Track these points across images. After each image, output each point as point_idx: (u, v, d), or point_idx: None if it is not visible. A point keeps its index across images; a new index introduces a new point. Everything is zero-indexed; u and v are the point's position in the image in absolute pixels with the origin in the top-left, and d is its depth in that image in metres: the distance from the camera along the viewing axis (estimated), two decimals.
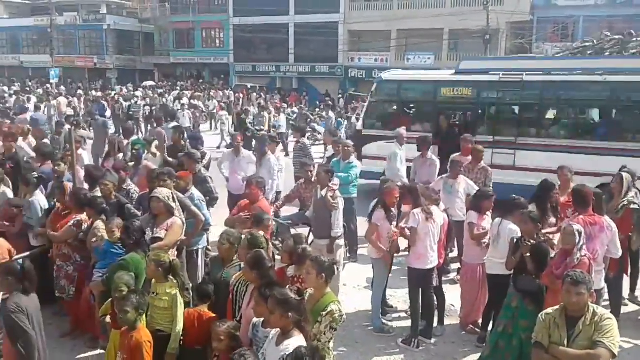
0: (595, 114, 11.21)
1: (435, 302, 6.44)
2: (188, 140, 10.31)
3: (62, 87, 33.45)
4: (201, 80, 44.00)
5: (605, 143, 10.17)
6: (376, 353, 6.11)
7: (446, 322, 6.66)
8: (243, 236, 5.16)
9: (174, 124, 13.46)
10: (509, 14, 31.58)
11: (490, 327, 6.12)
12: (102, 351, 5.51)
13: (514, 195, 6.17)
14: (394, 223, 6.41)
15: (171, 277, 4.78)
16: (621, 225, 6.23)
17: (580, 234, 4.97)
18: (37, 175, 7.07)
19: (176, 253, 5.97)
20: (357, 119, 16.22)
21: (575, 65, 11.16)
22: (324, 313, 4.01)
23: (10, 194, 6.98)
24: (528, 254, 5.30)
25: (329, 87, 38.40)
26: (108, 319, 4.82)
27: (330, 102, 31.99)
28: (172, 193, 6.06)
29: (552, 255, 5.30)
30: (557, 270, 4.89)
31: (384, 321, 6.65)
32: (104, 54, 47.68)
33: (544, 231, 6.06)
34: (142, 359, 4.18)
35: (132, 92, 31.19)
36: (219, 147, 18.86)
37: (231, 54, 43.74)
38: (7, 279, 4.31)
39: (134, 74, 48.54)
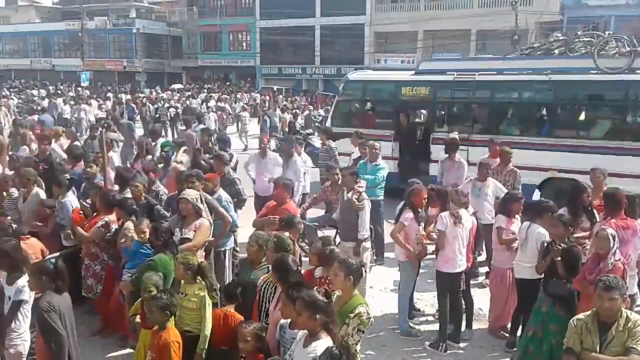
0: (542, 111, 11.59)
1: (463, 306, 6.38)
2: (216, 143, 10.41)
3: (86, 92, 33.92)
4: (228, 83, 44.40)
5: (551, 139, 10.54)
6: (403, 356, 6.07)
7: (474, 326, 6.58)
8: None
9: (201, 126, 13.60)
10: (538, 13, 31.13)
11: (519, 332, 6.04)
12: (131, 350, 5.59)
13: (542, 198, 6.07)
14: (422, 224, 6.37)
15: (199, 279, 4.83)
16: None
17: (614, 238, 4.88)
18: (69, 177, 7.21)
19: (204, 254, 6.04)
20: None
21: (525, 66, 11.54)
22: (352, 315, 4.00)
23: (43, 195, 7.12)
24: (559, 258, 5.21)
25: None
26: (138, 318, 4.89)
27: None
28: (200, 194, 6.12)
29: (584, 260, 5.20)
30: (590, 276, 4.80)
31: (411, 324, 6.60)
32: (133, 58, 48.47)
33: (575, 235, 5.95)
34: (170, 359, 4.23)
35: (161, 95, 31.68)
36: (245, 149, 18.99)
37: (257, 57, 44.07)
38: (40, 278, 4.39)
39: (162, 77, 49.21)
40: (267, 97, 32.08)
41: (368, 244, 7.12)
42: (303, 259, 6.52)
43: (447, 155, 9.25)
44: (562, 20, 33.26)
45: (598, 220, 6.29)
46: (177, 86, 39.81)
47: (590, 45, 11.20)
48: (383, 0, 39.38)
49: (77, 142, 10.75)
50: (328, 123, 13.96)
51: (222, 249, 6.81)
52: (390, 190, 9.12)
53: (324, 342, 3.57)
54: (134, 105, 24.99)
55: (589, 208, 6.57)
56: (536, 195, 9.99)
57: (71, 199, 6.89)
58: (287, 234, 5.37)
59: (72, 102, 25.73)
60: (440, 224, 6.05)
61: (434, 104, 12.34)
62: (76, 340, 4.66)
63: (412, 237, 6.26)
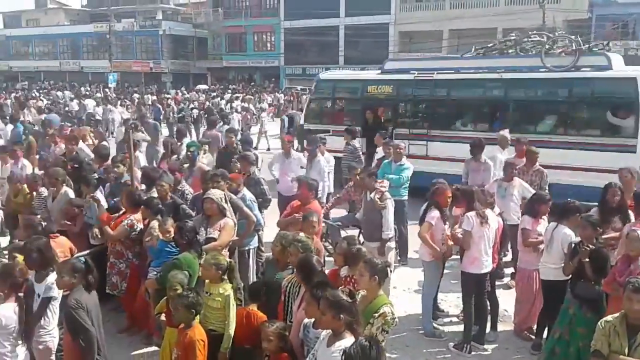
0: (495, 108, 12.14)
1: (488, 307, 6.31)
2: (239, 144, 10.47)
3: (112, 94, 34.31)
4: (252, 83, 44.66)
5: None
6: (427, 357, 6.03)
7: (499, 327, 6.50)
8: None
9: (226, 126, 13.72)
10: (565, 11, 30.64)
11: (545, 334, 5.95)
12: (156, 348, 5.65)
13: (569, 199, 5.98)
14: (448, 224, 6.32)
15: (225, 278, 4.86)
16: None
17: None
18: (97, 177, 7.33)
19: (228, 253, 6.08)
20: None
21: (480, 65, 12.24)
22: (376, 315, 3.99)
23: (71, 194, 7.24)
24: (587, 260, 5.12)
25: None
26: (163, 316, 4.94)
27: None
28: (224, 194, 6.17)
29: (613, 261, 5.11)
30: (621, 278, 4.71)
31: (435, 325, 6.56)
32: (160, 59, 49.10)
33: (604, 236, 5.83)
34: (195, 357, 4.27)
35: (187, 96, 32.03)
36: (268, 150, 19.04)
37: (281, 57, 44.24)
38: (69, 276, 4.45)
39: (187, 77, 49.74)
40: (291, 98, 32.17)
41: (392, 244, 7.11)
42: (326, 258, 6.53)
43: (472, 156, 9.10)
44: (590, 18, 32.70)
45: (633, 221, 6.15)
46: (202, 87, 40.17)
47: (539, 45, 11.86)
48: None
49: (104, 142, 10.91)
50: (302, 121, 15.04)
51: (246, 248, 6.85)
52: None
53: (347, 342, 3.56)
54: (160, 106, 25.33)
55: (623, 208, 6.37)
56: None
57: (99, 198, 7.00)
58: (302, 234, 5.37)
59: (107, 103, 26.20)
60: (466, 223, 5.99)
61: (397, 101, 13.13)
62: (103, 337, 4.72)
63: (438, 237, 6.21)
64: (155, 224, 6.03)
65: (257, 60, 46.39)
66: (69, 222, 6.94)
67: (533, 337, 6.22)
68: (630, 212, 6.30)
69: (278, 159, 9.64)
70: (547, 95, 11.54)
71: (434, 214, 6.19)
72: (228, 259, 5.20)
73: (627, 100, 10.33)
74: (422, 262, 6.57)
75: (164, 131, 20.03)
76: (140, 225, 6.34)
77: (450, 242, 6.36)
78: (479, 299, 6.14)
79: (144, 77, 49.18)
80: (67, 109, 29.00)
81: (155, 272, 5.64)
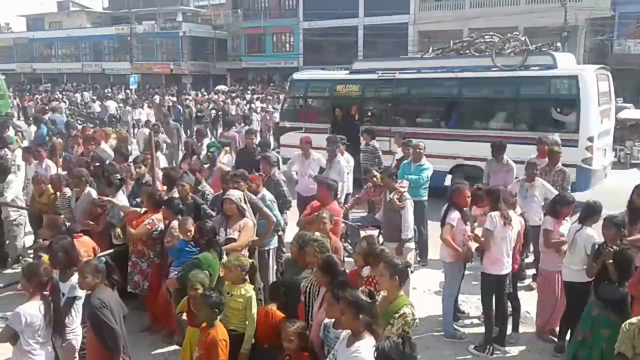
0: (451, 105, 12.68)
1: (510, 309, 6.25)
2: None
3: (133, 95, 34.65)
4: (272, 84, 44.77)
5: (458, 130, 11.86)
6: (447, 359, 6.00)
7: (521, 329, 6.45)
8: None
9: (246, 127, 13.79)
10: (588, 9, 30.21)
11: (568, 336, 5.88)
12: (177, 347, 5.71)
13: (592, 200, 5.90)
14: (469, 224, 6.27)
15: (246, 279, 4.89)
16: None
17: None
18: (119, 177, 7.41)
19: (247, 254, 6.11)
20: None
21: (438, 65, 12.89)
22: (397, 315, 3.98)
23: (94, 194, 7.33)
24: (611, 261, 5.05)
25: None
26: (184, 316, 4.98)
27: None
28: (243, 195, 6.20)
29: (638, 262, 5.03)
30: None
31: (455, 327, 6.52)
32: (180, 60, 49.47)
33: (629, 238, 5.73)
34: (217, 357, 4.30)
35: (207, 97, 32.26)
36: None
37: (300, 58, 44.27)
38: (92, 276, 4.50)
39: (207, 79, 50.06)
40: None
41: (412, 245, 7.08)
42: (346, 259, 6.53)
43: (493, 158, 9.00)
44: (613, 16, 32.18)
45: None
46: (221, 87, 40.40)
47: (491, 45, 12.42)
48: None
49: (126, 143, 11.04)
50: (277, 118, 16.12)
51: (266, 248, 6.87)
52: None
53: (367, 342, 3.57)
54: (180, 107, 25.55)
55: None
56: (448, 180, 11.04)
57: (121, 198, 7.09)
58: (317, 233, 5.37)
59: (126, 105, 26.51)
60: (489, 223, 5.93)
61: (363, 100, 13.81)
62: (126, 335, 4.76)
63: (459, 238, 6.18)
64: (176, 224, 6.09)
65: (276, 61, 46.52)
66: (92, 222, 7.04)
67: (555, 339, 6.14)
68: None
69: (297, 160, 9.66)
70: (497, 93, 12.24)
71: (455, 215, 6.15)
72: (249, 260, 5.22)
73: (570, 98, 10.98)
74: (442, 263, 6.53)
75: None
76: (161, 225, 6.40)
77: (472, 244, 6.31)
78: (500, 300, 6.08)
79: (164, 78, 49.64)
80: (89, 110, 29.44)
81: (176, 272, 5.69)
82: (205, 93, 36.23)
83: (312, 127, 13.43)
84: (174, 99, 31.53)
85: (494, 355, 5.97)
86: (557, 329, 6.17)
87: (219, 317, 4.46)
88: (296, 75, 15.88)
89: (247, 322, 4.74)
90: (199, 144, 10.92)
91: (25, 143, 13.98)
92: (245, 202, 6.12)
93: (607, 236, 5.28)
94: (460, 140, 11.71)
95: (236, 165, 9.01)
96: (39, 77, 56.22)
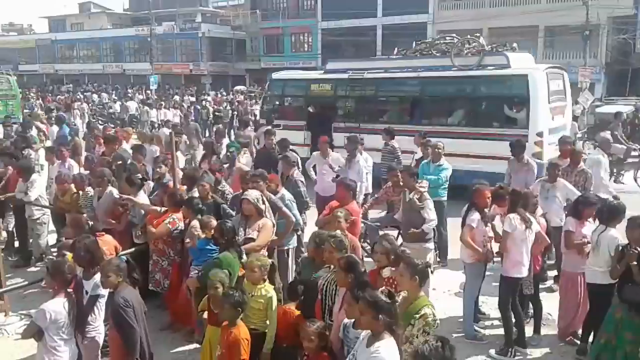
0: (413, 103, 13.46)
1: (531, 310, 6.19)
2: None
3: (153, 96, 34.92)
4: None
5: (420, 127, 12.07)
6: None
7: (543, 331, 6.38)
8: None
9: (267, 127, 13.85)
10: (610, 8, 29.75)
11: (591, 339, 5.81)
12: (198, 345, 5.74)
13: (617, 201, 5.81)
14: (489, 225, 6.22)
15: (266, 278, 4.90)
16: None
17: None
18: (140, 177, 7.49)
19: (266, 253, 6.13)
20: None
21: (404, 65, 13.64)
22: (417, 316, 3.97)
23: (116, 193, 7.42)
24: (634, 263, 4.97)
25: None
26: (205, 314, 5.01)
27: None
28: (261, 195, 6.21)
29: None
30: None
31: (476, 328, 6.47)
32: (199, 61, 49.76)
33: None
34: (239, 355, 4.32)
35: (225, 97, 32.45)
36: None
37: (319, 58, 44.24)
38: (115, 275, 4.55)
39: (226, 79, 50.26)
40: None
41: (431, 245, 7.03)
42: (365, 259, 6.51)
43: (514, 157, 8.92)
44: (635, 14, 31.65)
45: None
46: (240, 88, 40.58)
47: (451, 46, 13.08)
48: None
49: (147, 144, 11.13)
50: (258, 116, 17.21)
51: (286, 248, 6.90)
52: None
53: (387, 343, 3.56)
54: (199, 107, 25.76)
55: None
56: None
57: (142, 198, 7.16)
58: (339, 231, 5.38)
59: (145, 105, 26.75)
60: (507, 225, 5.88)
61: (335, 98, 14.52)
62: (147, 333, 4.80)
63: (479, 239, 6.13)
64: (195, 223, 6.14)
65: (294, 61, 46.46)
66: (113, 221, 7.12)
67: (578, 341, 6.07)
68: None
69: (316, 160, 9.66)
70: (456, 92, 12.93)
71: (475, 216, 6.10)
72: (269, 260, 5.24)
73: (520, 95, 11.58)
74: (463, 264, 6.49)
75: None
76: (181, 224, 6.46)
77: (492, 245, 6.26)
78: (515, 302, 6.04)
79: (183, 79, 49.96)
80: (109, 110, 29.78)
81: (196, 271, 5.73)
82: (224, 93, 36.41)
83: (289, 124, 14.51)
84: (193, 99, 31.77)
85: (516, 358, 5.91)
86: (580, 331, 6.10)
87: (240, 316, 4.48)
88: (275, 75, 16.67)
89: (268, 322, 4.75)
90: (218, 143, 10.99)
91: (48, 143, 14.19)
92: (263, 202, 6.13)
93: (631, 237, 5.20)
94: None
95: (255, 165, 9.05)
96: (61, 78, 56.94)
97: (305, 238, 7.48)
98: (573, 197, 7.03)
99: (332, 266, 4.96)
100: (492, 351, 6.03)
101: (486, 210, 6.30)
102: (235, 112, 24.04)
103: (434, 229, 7.08)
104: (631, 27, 31.10)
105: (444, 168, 8.61)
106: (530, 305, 6.48)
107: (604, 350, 5.12)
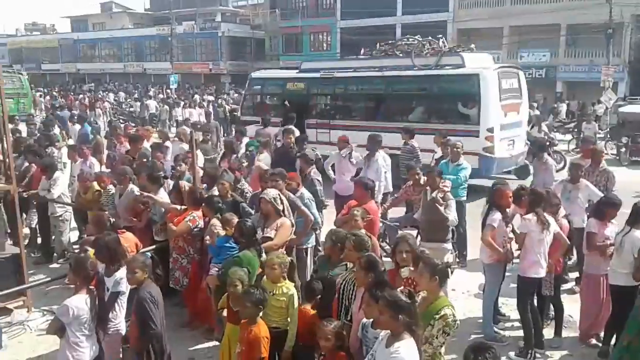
0: (378, 101, 14.46)
1: (552, 312, 6.11)
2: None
3: (173, 95, 35.15)
4: None
5: (384, 123, 13.15)
6: None
7: (564, 333, 6.30)
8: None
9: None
10: (634, 6, 29.23)
11: (612, 341, 5.72)
12: (217, 343, 5.78)
13: None
14: (510, 226, 6.16)
15: (285, 276, 4.91)
16: None
17: None
18: (162, 175, 7.56)
19: (285, 252, 6.14)
20: None
21: (371, 65, 14.57)
22: (437, 317, 3.93)
23: (137, 191, 7.49)
24: None
25: None
26: (224, 312, 5.04)
27: None
28: (279, 194, 6.22)
29: None
30: None
31: (496, 329, 6.41)
32: (219, 60, 50.02)
33: None
34: (259, 353, 4.33)
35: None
36: None
37: (338, 57, 44.18)
38: (142, 271, 4.60)
39: (245, 78, 50.09)
40: None
41: (449, 246, 6.99)
42: (384, 259, 6.49)
43: (534, 157, 8.84)
44: None
45: None
46: None
47: (412, 47, 13.95)
48: None
49: (168, 142, 11.24)
50: (239, 113, 18.01)
51: (304, 247, 6.91)
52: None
53: (406, 343, 3.55)
54: (216, 105, 25.93)
55: None
56: None
57: (163, 196, 7.22)
58: (363, 230, 5.36)
59: (164, 104, 26.99)
60: (523, 226, 5.81)
61: (308, 96, 15.53)
62: (165, 330, 4.82)
63: (499, 240, 6.06)
64: (215, 221, 6.17)
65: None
66: (134, 218, 7.19)
67: (600, 344, 5.99)
68: None
69: (334, 159, 9.65)
70: (416, 90, 14.00)
71: (496, 216, 6.04)
72: (288, 258, 5.25)
73: (472, 93, 12.45)
74: (482, 264, 6.44)
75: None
76: (201, 222, 6.50)
77: (513, 245, 6.19)
78: (533, 303, 5.98)
79: (203, 78, 50.24)
80: (130, 109, 30.12)
81: (216, 269, 5.76)
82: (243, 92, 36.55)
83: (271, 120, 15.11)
84: (211, 98, 31.95)
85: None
86: (602, 333, 6.01)
87: (260, 313, 4.49)
88: (254, 74, 17.94)
89: (289, 320, 4.76)
90: (238, 142, 11.04)
91: (71, 141, 14.40)
92: (281, 201, 6.13)
93: None
94: (386, 132, 11.80)
95: (274, 163, 9.06)
96: (83, 77, 57.68)
97: (322, 237, 7.49)
98: (595, 198, 6.94)
99: (348, 264, 4.96)
100: (512, 353, 5.96)
101: (508, 210, 6.23)
102: None
103: (452, 229, 7.04)
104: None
105: (463, 167, 8.55)
106: (552, 307, 6.41)
107: (626, 353, 5.04)
